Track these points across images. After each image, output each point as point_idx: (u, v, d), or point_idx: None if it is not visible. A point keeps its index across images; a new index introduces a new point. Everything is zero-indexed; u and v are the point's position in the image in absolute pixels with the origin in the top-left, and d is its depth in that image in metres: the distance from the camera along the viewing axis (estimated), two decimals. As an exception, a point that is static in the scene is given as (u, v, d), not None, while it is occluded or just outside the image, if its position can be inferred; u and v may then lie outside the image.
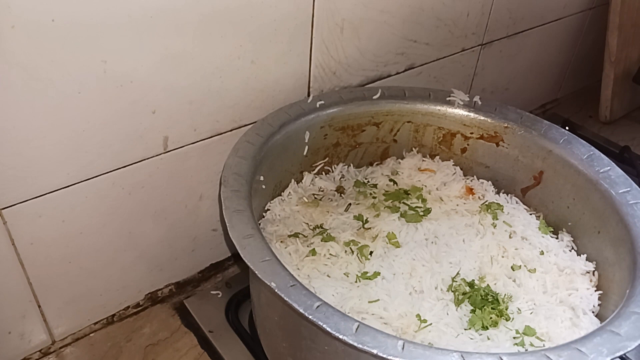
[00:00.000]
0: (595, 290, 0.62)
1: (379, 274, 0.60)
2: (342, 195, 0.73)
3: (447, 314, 0.58)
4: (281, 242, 0.63)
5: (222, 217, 0.58)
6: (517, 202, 0.74)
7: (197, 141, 0.66)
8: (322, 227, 0.66)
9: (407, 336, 0.54)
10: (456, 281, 0.61)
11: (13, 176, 0.53)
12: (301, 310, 0.45)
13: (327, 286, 0.58)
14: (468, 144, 0.77)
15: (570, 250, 0.68)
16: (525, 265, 0.64)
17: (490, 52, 0.96)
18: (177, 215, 0.70)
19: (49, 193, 0.57)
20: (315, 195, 0.72)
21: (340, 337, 0.44)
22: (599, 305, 0.61)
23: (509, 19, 0.94)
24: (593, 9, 1.12)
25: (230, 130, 0.68)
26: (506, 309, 0.59)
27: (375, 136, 0.77)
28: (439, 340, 0.54)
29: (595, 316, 0.60)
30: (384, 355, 0.43)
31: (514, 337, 0.56)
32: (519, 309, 0.59)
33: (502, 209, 0.71)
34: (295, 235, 0.64)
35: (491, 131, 0.75)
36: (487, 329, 0.56)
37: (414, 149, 0.79)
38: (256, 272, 0.48)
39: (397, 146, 0.79)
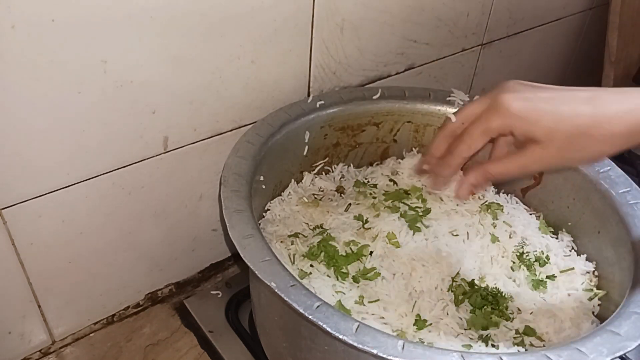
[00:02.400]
0: (595, 290, 0.62)
1: (379, 274, 0.60)
2: (342, 195, 0.73)
3: (447, 314, 0.58)
4: (281, 242, 0.63)
5: (222, 217, 0.58)
6: (517, 202, 0.74)
7: (197, 141, 0.66)
8: (322, 227, 0.66)
9: (407, 336, 0.54)
10: (456, 281, 0.61)
11: (13, 176, 0.53)
12: (301, 310, 0.45)
13: (327, 286, 0.58)
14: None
15: (570, 250, 0.68)
16: (525, 266, 0.64)
17: (490, 52, 0.96)
18: (177, 215, 0.70)
19: (49, 193, 0.57)
20: (315, 195, 0.72)
21: (340, 337, 0.44)
22: (599, 305, 0.61)
23: (509, 19, 0.94)
24: (593, 9, 1.12)
25: (230, 130, 0.68)
26: (506, 309, 0.59)
27: (375, 136, 0.77)
28: (439, 340, 0.54)
29: (595, 316, 0.60)
30: (384, 355, 0.43)
31: (514, 337, 0.56)
32: (519, 309, 0.59)
33: (502, 209, 0.71)
34: (295, 235, 0.64)
35: (491, 131, 0.75)
36: (487, 329, 0.57)
37: (414, 149, 0.79)
38: (256, 272, 0.48)
39: (397, 146, 0.79)
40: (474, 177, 0.52)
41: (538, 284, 0.62)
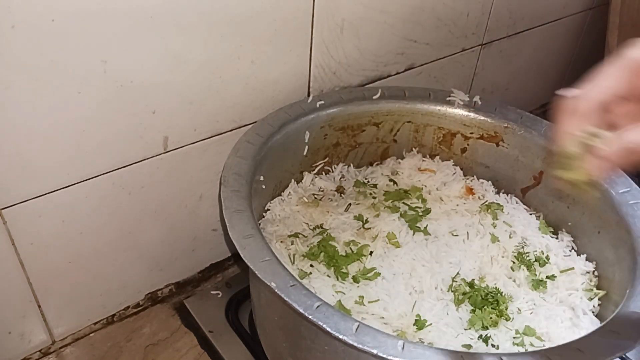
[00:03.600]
0: (595, 290, 0.62)
1: (379, 274, 0.60)
2: (342, 195, 0.73)
3: (447, 314, 0.58)
4: (281, 242, 0.63)
5: (222, 217, 0.58)
6: (517, 202, 0.74)
7: (197, 141, 0.66)
8: (322, 227, 0.66)
9: (407, 336, 0.54)
10: (456, 281, 0.61)
11: (13, 176, 0.53)
12: (301, 310, 0.45)
13: (327, 286, 0.58)
14: (468, 144, 0.77)
15: (570, 250, 0.68)
16: (525, 266, 0.64)
17: (490, 52, 0.96)
18: (177, 215, 0.70)
19: (49, 193, 0.57)
20: (315, 195, 0.72)
21: (340, 337, 0.44)
22: (599, 305, 0.61)
23: (509, 19, 0.94)
24: (593, 9, 1.12)
25: (230, 130, 0.68)
26: (506, 309, 0.59)
27: (375, 136, 0.77)
28: (439, 340, 0.54)
29: (595, 316, 0.60)
30: (384, 355, 0.43)
31: (514, 337, 0.56)
32: (519, 309, 0.59)
33: (502, 209, 0.71)
34: (295, 235, 0.64)
35: (491, 131, 0.75)
36: (487, 329, 0.57)
37: (414, 149, 0.79)
38: (256, 272, 0.48)
39: (397, 146, 0.79)
40: (611, 151, 0.40)
41: (538, 284, 0.62)
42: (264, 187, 0.65)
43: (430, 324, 0.56)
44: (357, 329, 0.44)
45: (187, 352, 0.68)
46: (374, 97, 0.74)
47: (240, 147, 0.61)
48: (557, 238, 0.70)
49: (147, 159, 0.62)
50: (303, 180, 0.73)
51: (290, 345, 0.55)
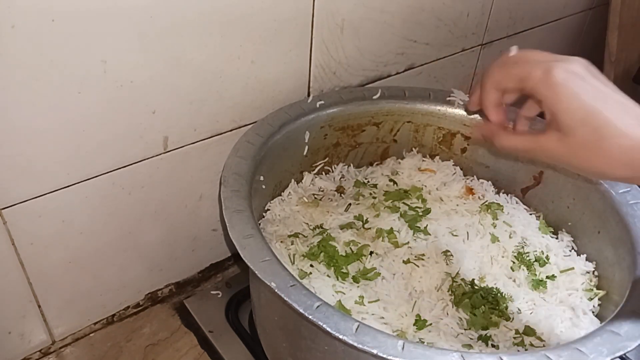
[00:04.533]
0: (595, 290, 0.62)
1: (379, 274, 0.60)
2: (342, 195, 0.73)
3: (447, 314, 0.58)
4: (281, 242, 0.63)
5: (222, 217, 0.58)
6: (517, 202, 0.74)
7: (197, 141, 0.66)
8: (322, 227, 0.66)
9: (407, 336, 0.54)
10: (456, 281, 0.61)
11: (13, 176, 0.53)
12: (301, 310, 0.45)
13: (327, 286, 0.58)
14: (468, 144, 0.77)
15: (570, 250, 0.68)
16: (525, 266, 0.64)
17: (490, 52, 0.96)
18: (177, 215, 0.70)
19: (49, 193, 0.57)
20: (315, 195, 0.72)
21: (340, 337, 0.44)
22: (599, 305, 0.61)
23: (509, 19, 0.94)
24: (593, 9, 1.12)
25: (230, 130, 0.68)
26: (506, 309, 0.59)
27: (375, 136, 0.77)
28: (439, 340, 0.54)
29: (595, 316, 0.60)
30: (384, 355, 0.43)
31: (514, 337, 0.56)
32: (519, 309, 0.59)
33: (502, 209, 0.71)
34: (295, 235, 0.64)
35: (491, 131, 0.75)
36: (487, 329, 0.57)
37: (414, 149, 0.79)
38: (256, 272, 0.48)
39: (397, 146, 0.79)
40: (485, 130, 0.52)
41: (538, 284, 0.62)
42: (264, 187, 0.65)
43: (430, 324, 0.56)
44: (357, 329, 0.44)
45: (187, 352, 0.68)
46: (374, 97, 0.74)
47: (240, 147, 0.61)
48: (557, 238, 0.70)
49: (147, 159, 0.62)
50: (303, 180, 0.73)
51: (290, 345, 0.55)
